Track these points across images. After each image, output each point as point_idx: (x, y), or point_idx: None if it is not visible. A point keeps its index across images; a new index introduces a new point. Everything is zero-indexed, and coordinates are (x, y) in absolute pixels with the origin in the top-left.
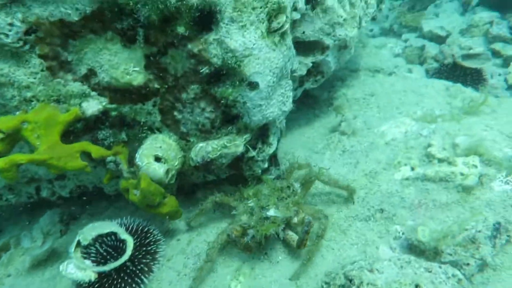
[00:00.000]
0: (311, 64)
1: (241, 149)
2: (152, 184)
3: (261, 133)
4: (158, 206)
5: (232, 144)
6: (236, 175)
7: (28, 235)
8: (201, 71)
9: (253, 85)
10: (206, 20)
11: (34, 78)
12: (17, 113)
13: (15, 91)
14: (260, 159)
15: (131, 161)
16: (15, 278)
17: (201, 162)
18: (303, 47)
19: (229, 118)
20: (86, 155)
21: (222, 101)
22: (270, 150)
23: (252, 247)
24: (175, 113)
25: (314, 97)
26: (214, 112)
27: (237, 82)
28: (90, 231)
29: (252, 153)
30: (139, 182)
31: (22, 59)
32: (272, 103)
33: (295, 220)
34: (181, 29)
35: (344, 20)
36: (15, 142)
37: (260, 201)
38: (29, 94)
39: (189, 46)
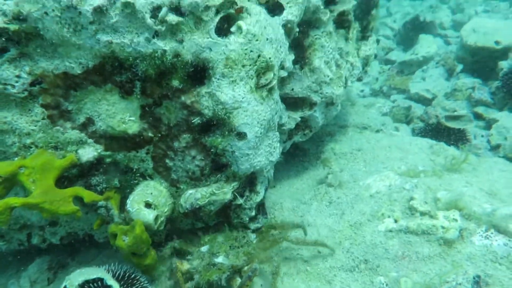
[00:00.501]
0: (299, 119)
1: (229, 196)
2: (145, 233)
3: (249, 182)
4: (142, 256)
5: (221, 192)
6: (224, 222)
7: (15, 283)
8: (193, 121)
9: (242, 135)
10: (199, 75)
11: (35, 126)
12: (16, 159)
13: (16, 138)
14: (247, 207)
15: (122, 207)
16: None
17: (190, 208)
18: (292, 103)
19: (218, 166)
20: (79, 200)
21: (212, 150)
22: (258, 198)
23: None
24: (167, 160)
25: (303, 151)
26: (204, 160)
27: (227, 132)
28: (77, 277)
29: (240, 200)
30: (133, 228)
31: (26, 108)
32: (260, 153)
33: (246, 269)
34: (175, 83)
35: (331, 79)
36: (11, 187)
37: (213, 247)
38: (28, 141)
39: (183, 98)
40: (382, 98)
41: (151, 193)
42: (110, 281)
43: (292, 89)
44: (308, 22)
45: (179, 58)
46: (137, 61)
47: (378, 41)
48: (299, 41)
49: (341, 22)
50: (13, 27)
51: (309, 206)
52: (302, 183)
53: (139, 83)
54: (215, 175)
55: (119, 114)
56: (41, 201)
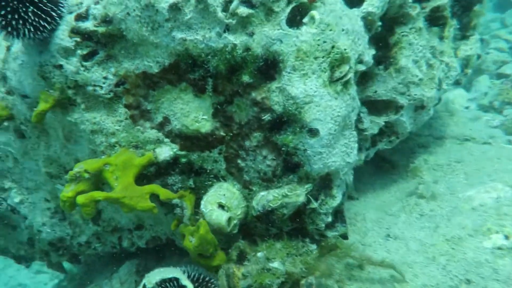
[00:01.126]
0: (383, 123)
1: (302, 198)
2: (210, 233)
3: (324, 184)
4: (210, 257)
5: (293, 194)
6: (299, 229)
7: (108, 283)
8: (263, 118)
9: (313, 132)
10: (270, 69)
11: (119, 126)
12: (102, 157)
13: (103, 137)
14: (323, 211)
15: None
16: None
17: (262, 211)
18: (375, 106)
19: (290, 166)
20: (157, 200)
21: (283, 149)
22: (334, 203)
23: None
24: (239, 161)
25: (392, 163)
26: (275, 160)
27: (298, 129)
28: (155, 276)
29: (314, 204)
30: (197, 229)
31: (112, 109)
32: (335, 152)
33: (303, 282)
34: (246, 78)
35: (420, 80)
36: (98, 183)
37: (270, 253)
38: (113, 140)
39: (253, 94)
40: (492, 113)
41: (224, 195)
42: (185, 281)
43: (375, 92)
44: (394, 18)
45: (249, 52)
46: (209, 57)
47: (481, 40)
48: (384, 39)
49: (435, 20)
50: (101, 29)
51: (396, 218)
52: (389, 195)
53: (211, 80)
54: (287, 176)
55: (192, 113)
56: (122, 196)
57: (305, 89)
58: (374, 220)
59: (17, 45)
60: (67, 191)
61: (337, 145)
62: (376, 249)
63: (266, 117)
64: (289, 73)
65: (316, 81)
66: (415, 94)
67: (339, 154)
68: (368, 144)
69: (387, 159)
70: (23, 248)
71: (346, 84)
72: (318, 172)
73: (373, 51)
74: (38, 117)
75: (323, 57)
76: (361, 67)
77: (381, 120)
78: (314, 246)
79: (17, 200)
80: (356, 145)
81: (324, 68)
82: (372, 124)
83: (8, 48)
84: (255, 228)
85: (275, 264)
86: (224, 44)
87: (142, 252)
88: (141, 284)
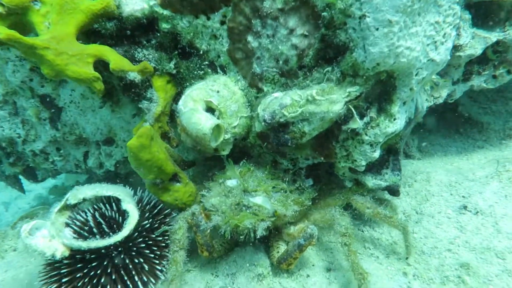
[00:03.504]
0: (494, 41)
1: (338, 108)
2: (147, 151)
3: (380, 92)
4: (159, 186)
5: (325, 99)
6: (323, 166)
7: (57, 206)
8: None
9: None
10: None
11: None
12: None
13: None
14: (368, 138)
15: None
16: (18, 255)
17: (269, 121)
18: (489, 12)
19: (330, 51)
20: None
21: (324, 14)
22: (390, 128)
23: (214, 247)
24: (249, 38)
25: (479, 125)
26: (307, 38)
27: None
28: (86, 190)
29: (357, 122)
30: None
31: None
32: (413, 31)
33: (292, 229)
34: None
35: None
36: (21, 28)
37: (247, 182)
38: None
39: None
40: None
41: (218, 92)
42: (128, 205)
43: None
44: None
45: None
46: None
47: None
48: None
49: None
50: None
51: (482, 186)
52: (468, 162)
53: None
54: (321, 69)
55: None
56: (43, 47)
57: None
58: (444, 183)
59: None
60: None
61: (421, 20)
62: (441, 222)
63: None
64: None
65: None
66: None
67: (420, 39)
68: (458, 73)
69: (474, 119)
70: None
71: None
72: (376, 62)
73: None
74: None
75: None
76: None
77: (492, 36)
78: (310, 181)
79: None
80: (455, 32)
81: None
82: (475, 40)
83: None
84: (259, 156)
85: (258, 200)
86: None
87: (112, 180)
88: (64, 199)
